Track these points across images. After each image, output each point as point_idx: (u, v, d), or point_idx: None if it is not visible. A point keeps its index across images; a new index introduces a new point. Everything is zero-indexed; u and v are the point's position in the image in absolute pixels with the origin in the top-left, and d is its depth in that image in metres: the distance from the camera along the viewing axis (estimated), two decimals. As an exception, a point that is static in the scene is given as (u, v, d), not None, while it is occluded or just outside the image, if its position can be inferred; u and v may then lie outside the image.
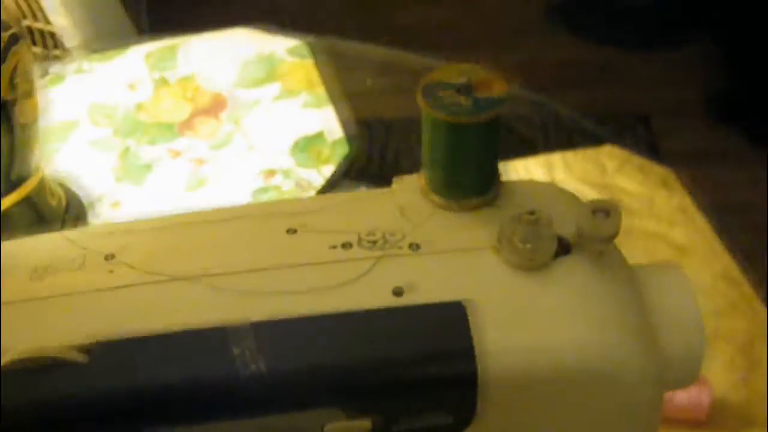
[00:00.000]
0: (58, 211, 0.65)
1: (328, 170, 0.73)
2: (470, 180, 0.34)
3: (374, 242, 0.33)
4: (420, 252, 0.33)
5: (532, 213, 0.32)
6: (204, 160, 0.74)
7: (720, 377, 0.61)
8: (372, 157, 0.78)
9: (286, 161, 0.74)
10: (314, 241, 0.33)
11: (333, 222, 0.34)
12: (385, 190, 0.36)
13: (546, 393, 0.32)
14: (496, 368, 0.31)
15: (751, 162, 1.58)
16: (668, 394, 0.61)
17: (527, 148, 0.81)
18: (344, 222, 0.34)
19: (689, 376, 0.36)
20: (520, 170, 0.75)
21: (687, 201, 0.74)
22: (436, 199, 0.35)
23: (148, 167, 0.74)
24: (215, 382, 0.30)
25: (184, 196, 0.71)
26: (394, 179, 0.36)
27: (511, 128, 0.84)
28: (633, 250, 0.67)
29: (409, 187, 0.36)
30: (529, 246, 0.32)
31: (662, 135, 1.66)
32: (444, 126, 0.33)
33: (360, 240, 0.33)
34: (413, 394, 0.31)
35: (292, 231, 0.34)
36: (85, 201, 0.70)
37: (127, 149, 0.75)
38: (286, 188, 0.72)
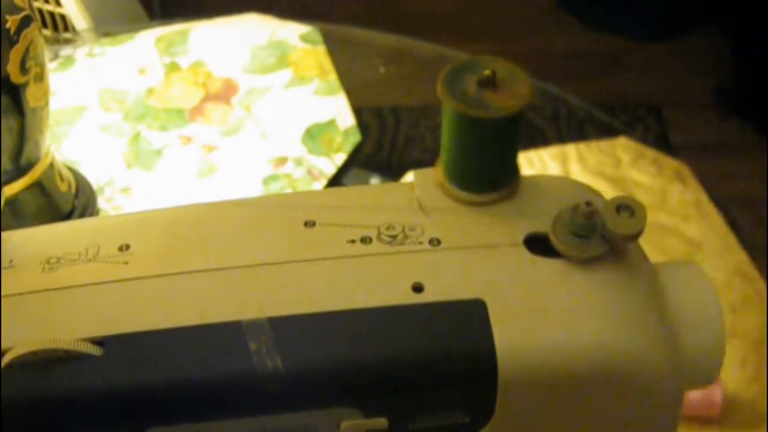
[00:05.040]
0: (67, 196, 0.65)
1: (340, 158, 0.73)
2: (490, 175, 0.34)
3: (394, 237, 0.33)
4: (440, 248, 0.32)
5: (588, 204, 0.32)
6: (215, 147, 0.74)
7: (732, 374, 0.61)
8: (382, 145, 0.77)
9: (298, 149, 0.73)
10: (332, 235, 0.33)
11: (351, 215, 0.33)
12: (404, 183, 0.35)
13: (564, 392, 0.31)
14: (516, 367, 0.30)
15: (761, 154, 1.57)
16: (682, 391, 0.60)
17: (539, 138, 0.80)
18: (363, 216, 0.33)
19: (709, 375, 0.36)
20: (534, 161, 0.75)
21: (701, 195, 0.73)
22: (456, 193, 0.34)
23: (158, 153, 0.73)
24: (231, 378, 0.30)
25: (194, 182, 0.71)
26: (413, 172, 0.35)
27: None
28: (645, 244, 0.67)
29: (428, 181, 0.35)
30: (584, 238, 0.32)
31: (673, 126, 1.65)
32: (465, 120, 0.32)
33: (379, 234, 0.33)
34: (432, 393, 0.31)
35: (310, 224, 0.33)
36: (95, 186, 0.69)
37: (137, 134, 0.75)
38: (298, 176, 0.71)
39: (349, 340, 0.30)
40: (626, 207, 0.32)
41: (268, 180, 0.71)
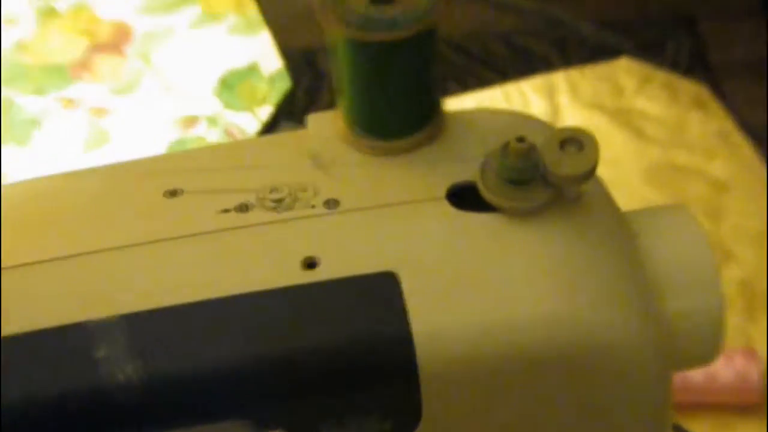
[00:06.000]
0: None
1: (266, 112, 0.73)
2: (398, 114, 0.34)
3: (279, 201, 0.33)
4: (338, 210, 0.33)
5: (521, 140, 0.32)
6: (106, 110, 0.74)
7: (773, 347, 0.61)
8: (317, 91, 0.77)
9: (211, 104, 0.73)
10: (201, 205, 0.33)
11: (226, 179, 0.34)
12: (294, 133, 0.35)
13: (509, 383, 0.31)
14: (441, 354, 0.30)
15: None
16: (710, 373, 0.61)
17: (542, 69, 0.80)
18: (240, 178, 0.34)
19: (706, 351, 0.36)
20: (512, 95, 0.75)
21: (728, 124, 0.73)
22: (360, 140, 0.34)
23: (34, 122, 0.73)
24: (74, 395, 0.30)
25: (82, 156, 0.71)
26: (308, 117, 0.35)
27: (514, 45, 0.84)
28: (659, 190, 0.67)
29: (327, 128, 0.35)
30: (521, 185, 0.32)
31: (711, 42, 1.65)
32: (357, 45, 0.32)
33: (261, 200, 0.33)
34: (335, 395, 0.31)
35: (174, 193, 0.33)
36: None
37: (7, 102, 0.75)
38: (213, 138, 0.71)
39: (225, 337, 0.30)
40: (573, 140, 0.32)
41: (175, 146, 0.71)
